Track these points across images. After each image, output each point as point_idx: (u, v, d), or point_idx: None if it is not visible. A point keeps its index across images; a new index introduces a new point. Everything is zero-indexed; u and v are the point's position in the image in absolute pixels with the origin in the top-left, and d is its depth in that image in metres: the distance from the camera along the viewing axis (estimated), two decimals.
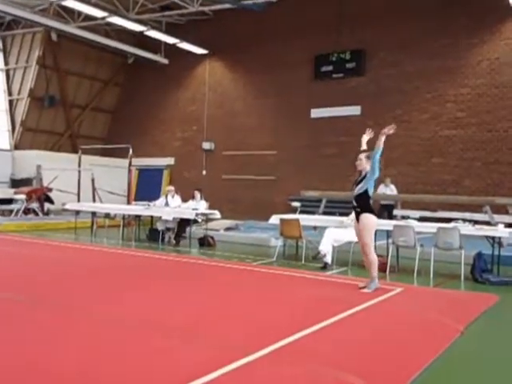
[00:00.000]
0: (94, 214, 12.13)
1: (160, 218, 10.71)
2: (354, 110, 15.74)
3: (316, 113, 16.44)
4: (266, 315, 4.68)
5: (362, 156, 5.92)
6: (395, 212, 13.15)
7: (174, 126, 19.82)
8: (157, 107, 20.06)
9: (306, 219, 8.96)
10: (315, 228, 10.06)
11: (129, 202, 14.68)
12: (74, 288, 5.64)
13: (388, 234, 7.81)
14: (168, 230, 10.69)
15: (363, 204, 5.77)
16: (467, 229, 7.44)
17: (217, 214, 10.32)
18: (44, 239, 10.60)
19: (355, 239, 7.75)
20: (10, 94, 19.42)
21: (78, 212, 12.69)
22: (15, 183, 17.35)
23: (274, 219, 8.96)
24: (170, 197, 11.10)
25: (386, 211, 12.66)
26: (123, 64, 20.82)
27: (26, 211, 15.07)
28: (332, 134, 16.02)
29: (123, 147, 15.22)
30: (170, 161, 19.81)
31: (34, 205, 15.32)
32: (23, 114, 18.94)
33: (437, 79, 14.45)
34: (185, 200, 11.26)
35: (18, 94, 19.16)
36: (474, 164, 13.88)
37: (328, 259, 7.73)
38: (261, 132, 17.39)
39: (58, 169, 15.57)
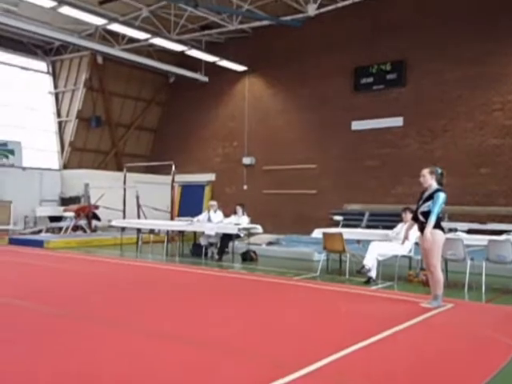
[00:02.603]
0: (138, 230, 12.39)
1: (203, 233, 10.82)
2: (396, 122, 15.48)
3: (357, 125, 16.27)
4: (311, 331, 4.61)
5: (425, 172, 5.74)
6: (442, 225, 12.74)
7: (214, 142, 20.10)
8: (198, 124, 20.42)
9: (349, 233, 8.82)
10: (358, 242, 9.90)
11: (172, 218, 14.91)
12: (119, 302, 5.76)
13: None
14: (211, 244, 10.78)
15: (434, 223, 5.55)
16: None
17: (259, 228, 10.33)
18: (92, 255, 10.91)
19: (400, 253, 7.60)
20: (59, 115, 20.30)
21: (123, 228, 13.01)
22: (64, 201, 18.01)
23: (317, 233, 8.88)
24: (212, 212, 11.21)
25: None
26: (165, 83, 21.38)
27: (75, 228, 15.59)
28: (374, 146, 15.79)
29: (166, 164, 15.54)
30: (211, 177, 20.06)
31: (82, 222, 15.83)
32: (71, 134, 19.73)
33: (481, 86, 14.02)
34: (226, 215, 11.34)
35: (67, 115, 20.00)
36: None
37: (373, 274, 7.56)
38: (301, 146, 17.36)
39: (104, 187, 16.06)
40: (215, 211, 11.23)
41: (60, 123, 20.24)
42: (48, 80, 20.39)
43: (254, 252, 10.48)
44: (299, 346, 4.07)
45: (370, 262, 7.53)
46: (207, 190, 19.81)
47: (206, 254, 10.72)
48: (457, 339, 4.45)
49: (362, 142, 16.03)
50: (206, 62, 18.49)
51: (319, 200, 16.65)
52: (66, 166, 19.75)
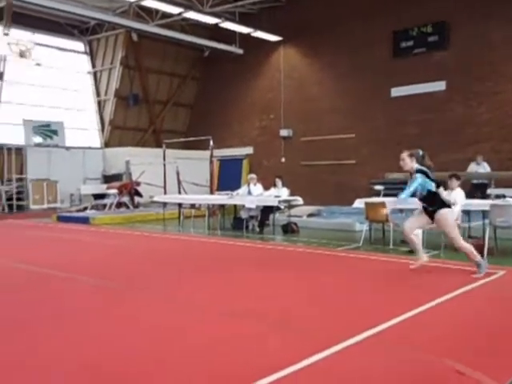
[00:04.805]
0: (180, 205, 12.57)
1: (243, 206, 10.87)
2: (438, 86, 14.90)
3: (396, 91, 15.77)
4: (356, 301, 4.58)
5: (404, 155, 5.64)
6: (489, 191, 12.33)
7: (251, 115, 19.98)
8: (234, 98, 20.32)
9: (391, 202, 8.63)
10: (401, 211, 9.70)
11: (211, 192, 15.03)
12: (164, 275, 5.89)
13: (484, 214, 7.31)
14: (252, 217, 10.83)
15: (433, 202, 5.53)
16: None
17: (299, 200, 10.28)
18: (135, 230, 11.18)
19: None
20: (98, 95, 20.63)
21: (165, 204, 13.24)
22: (107, 179, 18.47)
23: (358, 203, 8.74)
24: (252, 185, 11.21)
25: (478, 191, 11.91)
26: (199, 58, 21.29)
27: (118, 205, 15.98)
28: (414, 112, 15.30)
29: (204, 139, 15.59)
30: (249, 150, 20.03)
31: (125, 198, 16.20)
32: (111, 113, 20.06)
33: None
34: (265, 188, 11.33)
35: (105, 94, 20.30)
36: None
37: None
38: (339, 115, 17.03)
39: (144, 163, 16.32)
40: (255, 184, 11.23)
41: (99, 102, 20.59)
42: (86, 60, 20.68)
43: (295, 224, 10.47)
44: (345, 317, 4.05)
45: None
46: (245, 164, 19.82)
47: (247, 227, 10.78)
48: (511, 307, 4.32)
49: (402, 109, 15.56)
50: (241, 34, 18.25)
51: (359, 170, 16.39)
52: (107, 144, 20.17)
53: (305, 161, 17.90)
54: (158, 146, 18.83)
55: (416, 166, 5.60)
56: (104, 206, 16.00)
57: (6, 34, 15.63)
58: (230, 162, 19.89)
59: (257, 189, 11.14)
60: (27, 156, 17.36)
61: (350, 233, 9.94)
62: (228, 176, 19.37)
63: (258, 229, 10.53)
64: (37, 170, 17.22)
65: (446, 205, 5.59)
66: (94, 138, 20.55)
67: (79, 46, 20.47)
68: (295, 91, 18.45)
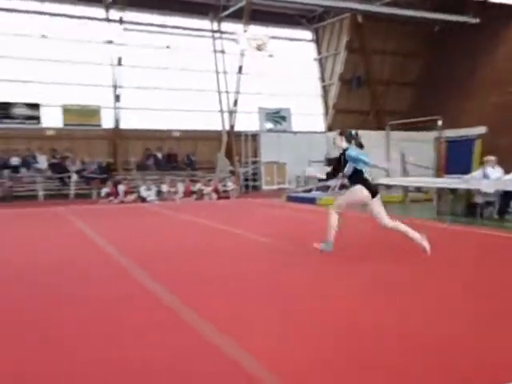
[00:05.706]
0: (405, 188, 12.22)
1: (478, 190, 9.96)
2: None
3: None
4: None
5: (336, 135, 5.82)
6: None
7: (485, 90, 18.06)
8: (464, 73, 18.65)
9: None
10: None
11: (439, 176, 14.17)
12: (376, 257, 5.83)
13: None
14: (488, 204, 9.87)
15: (353, 178, 5.62)
16: None
17: None
18: (358, 212, 11.30)
19: None
20: (322, 80, 21.42)
21: (389, 186, 13.03)
22: (330, 162, 19.10)
23: None
24: (489, 168, 10.18)
25: None
26: (427, 34, 20.13)
27: (341, 187, 16.39)
28: None
29: (429, 119, 14.76)
30: (481, 130, 18.14)
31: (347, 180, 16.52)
32: (334, 97, 20.62)
33: None
34: (506, 171, 10.14)
35: (330, 79, 20.94)
36: None
37: None
38: None
39: (366, 146, 16.31)
40: (493, 167, 10.17)
41: (324, 87, 21.36)
42: (312, 47, 21.62)
43: None
44: None
45: None
46: (477, 145, 18.05)
47: (481, 214, 9.86)
48: None
49: None
50: (476, 2, 16.56)
51: None
52: (330, 128, 20.83)
53: None
54: (380, 128, 18.60)
55: (345, 145, 5.68)
56: (328, 187, 16.62)
57: (246, 31, 17.39)
58: (459, 143, 18.35)
59: (495, 172, 10.08)
60: (260, 141, 19.14)
61: None
62: (456, 158, 17.92)
63: (496, 216, 9.54)
64: (268, 153, 18.86)
65: (366, 183, 5.55)
66: (318, 123, 21.43)
67: (307, 34, 21.50)
68: None
